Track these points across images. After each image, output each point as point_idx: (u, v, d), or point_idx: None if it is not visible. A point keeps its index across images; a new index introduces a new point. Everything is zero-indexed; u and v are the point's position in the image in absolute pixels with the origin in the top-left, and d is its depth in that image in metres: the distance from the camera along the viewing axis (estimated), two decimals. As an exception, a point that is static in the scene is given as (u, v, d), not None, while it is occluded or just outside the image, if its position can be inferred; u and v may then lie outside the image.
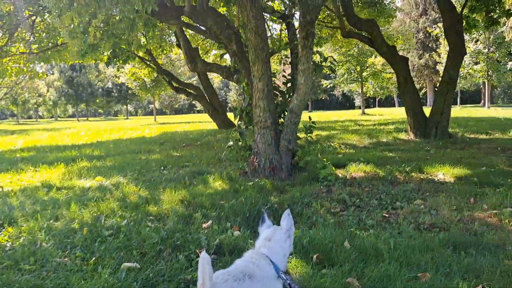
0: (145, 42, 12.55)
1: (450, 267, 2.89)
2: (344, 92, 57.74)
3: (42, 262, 3.32)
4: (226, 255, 3.31)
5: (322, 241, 3.47)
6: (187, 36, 12.20)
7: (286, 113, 6.86)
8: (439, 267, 2.90)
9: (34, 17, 14.09)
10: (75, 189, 6.23)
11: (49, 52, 15.24)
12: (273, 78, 7.06)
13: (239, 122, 7.48)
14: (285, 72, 7.63)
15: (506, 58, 34.57)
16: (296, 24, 7.81)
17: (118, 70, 32.42)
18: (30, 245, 3.69)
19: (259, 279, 1.86)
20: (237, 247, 3.46)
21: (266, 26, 15.00)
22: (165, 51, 17.14)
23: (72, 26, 9.29)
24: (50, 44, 15.17)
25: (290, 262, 3.12)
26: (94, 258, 3.28)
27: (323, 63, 7.11)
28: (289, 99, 7.15)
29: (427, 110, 11.79)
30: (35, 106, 60.91)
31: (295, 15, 8.44)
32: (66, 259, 3.35)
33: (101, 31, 9.24)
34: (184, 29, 11.20)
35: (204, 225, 4.11)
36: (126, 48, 10.85)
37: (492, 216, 4.15)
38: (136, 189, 5.92)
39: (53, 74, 62.69)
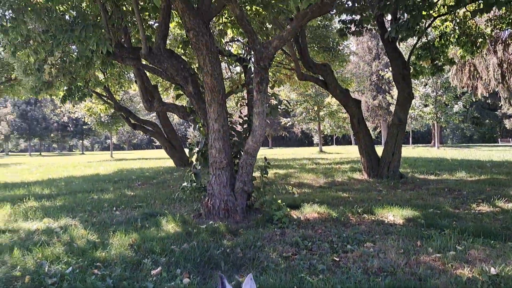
0: (103, 80, 12.43)
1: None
2: (303, 129, 59.23)
3: (-26, 317, 3.09)
4: (174, 305, 3.22)
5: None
6: (147, 73, 12.25)
7: (242, 154, 6.94)
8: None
9: (-14, 51, 13.68)
10: (20, 232, 5.91)
11: (2, 87, 14.74)
12: (229, 118, 7.17)
13: (195, 163, 7.47)
14: (241, 113, 7.78)
15: (453, 102, 36.94)
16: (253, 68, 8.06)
17: (74, 106, 31.70)
18: (-37, 297, 3.44)
19: None
20: (185, 296, 3.39)
21: (225, 66, 15.35)
22: (123, 88, 17.02)
23: (26, 63, 9.14)
24: (3, 79, 14.69)
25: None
26: (31, 312, 3.10)
27: (278, 106, 7.32)
28: (245, 140, 7.26)
29: (381, 149, 12.27)
30: (-15, 139, 57.95)
31: (252, 59, 8.72)
32: (1, 313, 3.14)
33: (57, 68, 9.13)
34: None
35: (153, 272, 4.00)
36: (82, 85, 10.69)
37: (436, 259, 4.32)
38: (84, 232, 5.70)
39: (5, 107, 60.24)
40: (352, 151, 30.96)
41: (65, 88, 11.01)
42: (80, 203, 8.27)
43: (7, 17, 7.35)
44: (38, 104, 63.34)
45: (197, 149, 7.33)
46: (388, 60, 12.46)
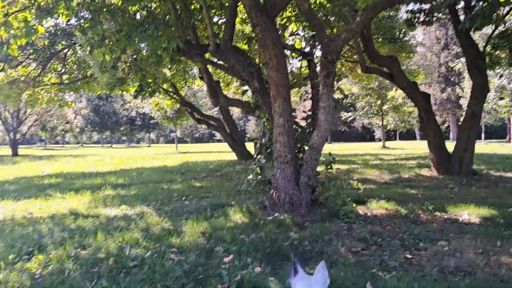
0: (170, 77, 12.99)
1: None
2: (364, 124, 57.62)
3: (70, 292, 3.42)
4: (248, 292, 3.34)
5: (343, 281, 3.47)
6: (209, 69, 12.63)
7: (305, 148, 6.95)
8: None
9: (66, 50, 14.82)
10: (101, 217, 6.40)
11: (79, 83, 15.90)
12: (293, 113, 7.20)
13: (259, 157, 7.59)
14: (305, 107, 7.77)
15: (531, 94, 34.05)
16: (317, 61, 8.01)
17: (142, 101, 33.35)
18: (59, 274, 3.82)
19: None
20: (257, 284, 3.49)
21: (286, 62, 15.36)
22: (188, 84, 17.64)
23: (102, 61, 9.78)
24: (80, 76, 15.83)
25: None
26: (119, 291, 3.37)
27: (344, 101, 7.22)
28: (309, 134, 7.25)
29: (450, 144, 11.68)
30: (63, 132, 62.78)
31: (315, 53, 8.66)
32: (92, 290, 3.44)
33: (129, 66, 9.68)
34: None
35: (226, 260, 4.16)
36: (151, 81, 11.25)
37: (519, 261, 4.07)
38: (159, 219, 6.05)
39: (81, 102, 64.87)
40: (417, 147, 29.67)
41: (136, 84, 11.67)
42: (152, 193, 8.75)
43: (85, 18, 7.92)
44: (109, 99, 67.52)
45: (261, 143, 7.44)
46: (458, 50, 11.76)
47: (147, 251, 4.49)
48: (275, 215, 6.19)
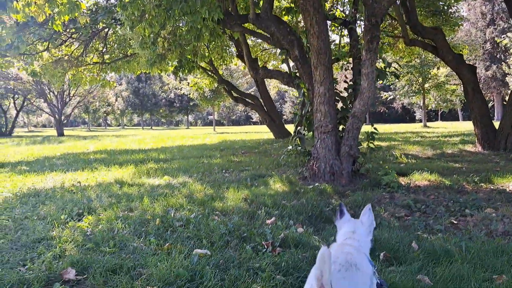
0: (208, 53, 13.06)
1: (528, 271, 2.77)
2: (404, 105, 55.94)
3: (121, 246, 3.59)
4: (292, 248, 3.38)
5: (388, 241, 3.45)
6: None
7: (346, 119, 6.85)
8: (516, 270, 2.79)
9: (107, 29, 15.18)
10: (145, 186, 6.63)
11: (120, 62, 16.30)
12: (334, 84, 7.09)
13: (299, 128, 7.56)
14: (346, 77, 7.63)
15: None
16: (358, 30, 7.81)
17: (180, 82, 33.84)
18: (109, 231, 4.01)
19: (363, 271, 1.82)
20: (301, 242, 3.53)
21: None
22: (225, 62, 17.69)
23: (142, 37, 9.97)
24: (120, 55, 16.22)
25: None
26: (167, 244, 3.50)
27: (387, 69, 7.03)
28: (350, 105, 7.14)
29: (494, 124, 11.18)
30: (105, 114, 65.08)
31: (357, 21, 8.43)
32: (142, 244, 3.60)
33: (168, 42, 9.82)
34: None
35: (268, 221, 4.22)
36: (190, 58, 11.37)
37: None
38: (201, 187, 6.19)
39: (121, 84, 66.80)
40: (460, 127, 28.52)
41: (176, 62, 11.84)
42: (193, 166, 8.94)
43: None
44: (148, 81, 69.13)
45: (301, 113, 7.40)
46: (505, 25, 11.08)
47: (191, 213, 4.62)
48: (316, 184, 6.19)
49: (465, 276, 2.70)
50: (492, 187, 5.98)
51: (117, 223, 4.28)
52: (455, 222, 4.27)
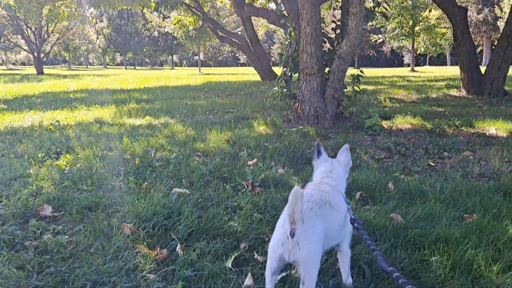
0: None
1: (499, 211, 2.84)
2: (394, 48, 55.23)
3: (98, 184, 3.57)
4: (271, 188, 3.41)
5: (365, 181, 3.49)
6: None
7: (333, 62, 6.70)
8: (488, 210, 2.86)
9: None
10: (126, 126, 6.54)
11: (99, -3, 15.49)
12: (321, 24, 6.84)
13: (285, 69, 7.39)
14: (335, 17, 7.36)
15: None
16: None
17: (163, 20, 32.52)
18: (87, 170, 3.97)
19: (337, 208, 1.84)
20: (281, 182, 3.56)
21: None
22: (211, -2, 16.96)
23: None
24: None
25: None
26: (146, 183, 3.49)
27: (376, 9, 6.79)
28: (337, 46, 6.95)
29: (481, 69, 11.15)
30: (86, 52, 62.85)
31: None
32: (120, 183, 3.58)
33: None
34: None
35: (250, 163, 4.22)
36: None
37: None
38: (183, 128, 6.13)
39: (102, 21, 63.92)
40: (447, 71, 28.44)
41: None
42: (176, 107, 8.81)
43: None
44: (130, 19, 66.27)
45: (287, 54, 7.21)
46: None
47: (172, 153, 4.59)
48: (299, 127, 6.17)
49: (437, 215, 2.77)
50: (472, 131, 6.06)
51: (96, 162, 4.24)
52: (432, 164, 4.34)
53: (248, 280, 2.02)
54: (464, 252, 2.23)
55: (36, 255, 2.25)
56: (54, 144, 5.08)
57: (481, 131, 6.00)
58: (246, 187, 3.45)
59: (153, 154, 4.56)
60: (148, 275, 2.07)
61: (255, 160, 4.30)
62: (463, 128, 6.25)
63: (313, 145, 5.08)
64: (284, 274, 2.02)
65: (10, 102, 10.37)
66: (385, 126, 6.42)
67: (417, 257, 2.21)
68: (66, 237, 2.48)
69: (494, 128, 6.14)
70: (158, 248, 2.33)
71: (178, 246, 2.35)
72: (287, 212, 1.55)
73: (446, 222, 2.64)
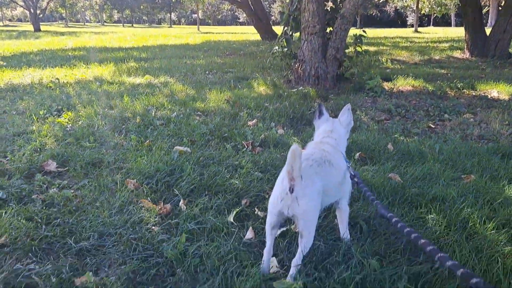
0: None
1: (497, 172, 2.89)
2: (397, 8, 53.90)
3: (101, 141, 3.61)
4: (271, 148, 3.44)
5: (365, 142, 3.52)
6: None
7: (335, 21, 6.56)
8: (485, 171, 2.91)
9: None
10: (126, 84, 6.50)
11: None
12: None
13: (286, 28, 7.25)
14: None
15: None
16: None
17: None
18: (89, 127, 3.99)
19: (336, 167, 1.87)
20: (280, 142, 3.59)
21: None
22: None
23: None
24: None
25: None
26: (148, 141, 3.52)
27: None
28: (340, 4, 6.79)
29: (487, 30, 10.94)
30: (82, 9, 61.20)
31: None
32: (122, 140, 3.61)
33: None
34: None
35: (250, 123, 4.23)
36: None
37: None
38: (183, 88, 6.10)
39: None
40: (451, 32, 27.87)
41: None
42: (175, 66, 8.71)
43: None
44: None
45: (288, 12, 7.05)
46: None
47: (172, 112, 4.59)
48: (300, 88, 6.13)
49: (435, 175, 2.82)
50: (474, 94, 6.05)
51: (97, 119, 4.25)
52: (432, 126, 4.37)
53: (249, 234, 2.09)
54: (460, 210, 2.29)
55: (44, 208, 2.31)
56: (55, 101, 5.07)
57: (483, 94, 5.99)
58: (246, 146, 3.48)
59: (153, 113, 4.57)
60: (153, 227, 2.14)
61: (255, 120, 4.31)
62: (465, 90, 6.23)
63: (313, 106, 5.08)
64: (284, 228, 2.09)
65: (8, 59, 10.23)
66: (386, 88, 6.40)
67: (413, 215, 2.27)
68: (72, 191, 2.53)
69: (496, 91, 6.12)
70: (162, 203, 2.39)
71: (181, 201, 2.41)
72: (286, 169, 1.58)
73: (444, 182, 2.69)
